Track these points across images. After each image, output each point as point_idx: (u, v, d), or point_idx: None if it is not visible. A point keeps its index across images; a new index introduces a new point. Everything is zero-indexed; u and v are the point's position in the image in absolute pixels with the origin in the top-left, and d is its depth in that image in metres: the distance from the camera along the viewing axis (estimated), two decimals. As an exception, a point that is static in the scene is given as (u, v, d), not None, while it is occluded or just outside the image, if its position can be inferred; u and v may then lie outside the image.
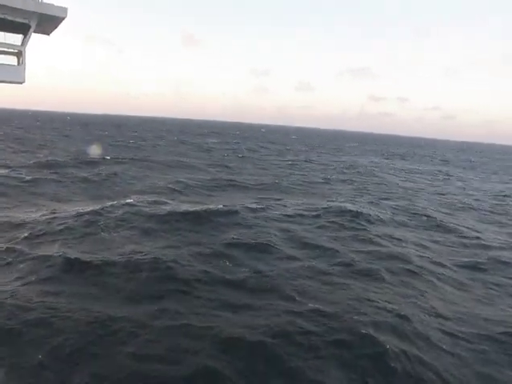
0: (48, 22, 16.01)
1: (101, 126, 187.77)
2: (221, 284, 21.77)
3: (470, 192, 63.11)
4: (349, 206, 40.43)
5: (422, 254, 29.22)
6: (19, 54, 15.83)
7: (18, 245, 24.70)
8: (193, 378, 14.73)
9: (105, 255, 23.94)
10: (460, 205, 50.11)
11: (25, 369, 14.47)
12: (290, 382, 15.03)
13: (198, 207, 35.41)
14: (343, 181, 62.53)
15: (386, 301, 21.57)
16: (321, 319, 19.05)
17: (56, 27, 16.79)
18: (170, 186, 47.17)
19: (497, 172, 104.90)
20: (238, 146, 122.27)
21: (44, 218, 30.24)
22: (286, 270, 24.26)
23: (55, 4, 15.87)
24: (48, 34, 17.72)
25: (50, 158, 61.43)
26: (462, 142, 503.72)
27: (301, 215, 36.20)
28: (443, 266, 27.79)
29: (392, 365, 16.05)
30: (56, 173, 50.87)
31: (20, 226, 28.27)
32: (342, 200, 45.51)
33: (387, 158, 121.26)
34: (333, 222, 34.64)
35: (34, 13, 15.29)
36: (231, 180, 54.39)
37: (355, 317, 19.32)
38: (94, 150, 73.64)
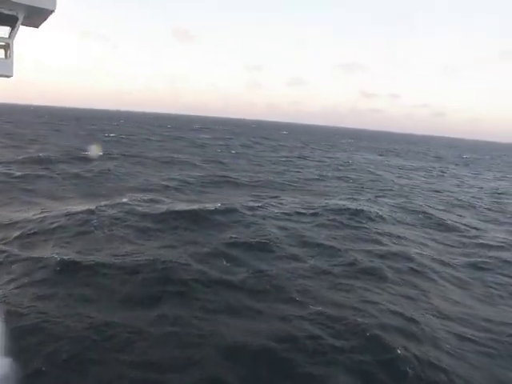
0: (36, 15, 15.36)
1: (93, 121, 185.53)
2: (220, 285, 21.11)
3: (466, 189, 63.02)
4: (347, 204, 39.92)
5: (423, 253, 28.85)
6: (6, 47, 15.20)
7: (8, 245, 23.83)
8: (195, 388, 14.13)
9: (99, 256, 23.13)
10: (458, 202, 49.89)
11: (19, 376, 13.74)
12: (296, 390, 14.51)
13: (194, 206, 34.65)
14: (339, 178, 61.99)
15: (390, 302, 21.12)
16: (325, 322, 18.50)
17: (45, 20, 16.17)
18: (164, 182, 46.30)
19: (490, 168, 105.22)
20: (231, 142, 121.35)
21: (35, 216, 29.28)
22: (287, 269, 23.69)
23: None
24: (37, 27, 16.97)
25: (40, 154, 60.14)
26: (452, 139, 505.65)
27: (299, 213, 35.61)
28: (445, 264, 27.45)
29: (402, 369, 15.59)
30: (47, 168, 49.82)
31: (10, 225, 27.31)
32: (340, 198, 44.97)
33: (381, 155, 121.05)
34: (332, 219, 34.10)
35: (21, 5, 14.67)
36: (226, 177, 53.59)
37: (360, 319, 18.78)
38: (87, 146, 72.41)
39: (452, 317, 20.59)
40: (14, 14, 14.59)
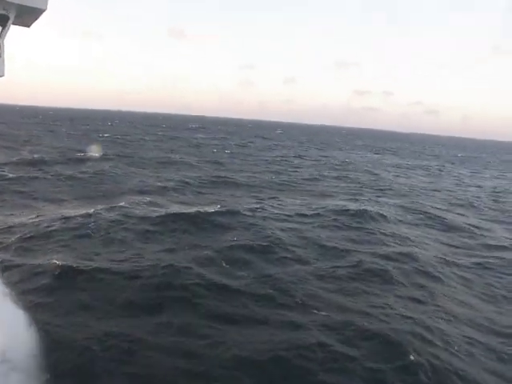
0: (28, 14, 15.17)
1: (87, 121, 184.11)
2: (223, 290, 20.37)
3: (466, 188, 62.69)
4: (348, 204, 39.38)
5: (427, 253, 28.38)
6: None
7: (3, 251, 22.95)
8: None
9: (97, 261, 22.34)
10: (458, 201, 49.50)
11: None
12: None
13: (193, 208, 33.86)
14: (337, 178, 61.35)
15: (398, 305, 20.55)
16: (333, 327, 17.89)
17: (36, 19, 16.01)
18: (161, 184, 45.45)
19: (487, 167, 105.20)
20: (226, 142, 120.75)
21: (30, 220, 28.40)
22: (291, 272, 23.03)
23: None
24: (28, 26, 16.74)
25: (34, 155, 59.30)
26: (445, 137, 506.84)
27: (300, 214, 34.92)
28: (451, 264, 27.03)
29: (416, 376, 15.04)
30: (41, 170, 48.98)
31: (4, 229, 26.42)
32: (340, 198, 44.49)
33: (377, 153, 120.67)
34: (334, 220, 33.48)
35: (12, 3, 14.34)
36: (223, 177, 52.83)
37: (369, 324, 18.20)
38: (81, 147, 71.52)
39: (462, 319, 20.16)
40: (5, 13, 14.34)
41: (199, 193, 43.11)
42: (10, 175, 44.32)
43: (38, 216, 29.67)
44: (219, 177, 52.69)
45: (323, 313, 19.29)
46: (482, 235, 35.13)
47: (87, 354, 14.99)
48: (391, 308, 20.34)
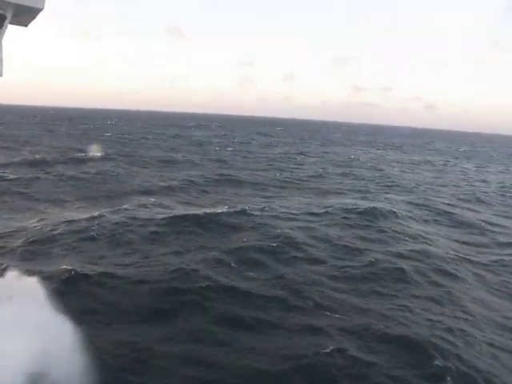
0: (25, 13, 15.26)
1: (87, 120, 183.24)
2: (234, 294, 19.67)
3: (473, 183, 61.85)
4: (356, 202, 38.72)
5: (442, 251, 27.74)
6: None
7: (6, 257, 22.23)
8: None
9: (102, 266, 21.61)
10: (467, 197, 48.71)
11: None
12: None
13: (199, 208, 33.20)
14: (342, 174, 60.58)
15: (417, 306, 19.95)
16: (351, 332, 17.24)
17: (33, 18, 16.09)
18: (164, 183, 44.72)
19: (491, 161, 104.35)
20: (228, 139, 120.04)
21: (33, 224, 27.65)
22: (304, 273, 22.39)
23: None
24: (25, 26, 16.79)
25: (35, 155, 58.68)
26: (445, 131, 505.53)
27: (308, 213, 34.19)
28: (466, 262, 26.43)
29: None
30: (43, 171, 48.35)
31: (7, 233, 25.65)
32: (348, 195, 43.84)
33: (380, 149, 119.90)
34: (343, 218, 32.76)
35: (9, 3, 14.35)
36: (227, 175, 52.11)
37: (389, 328, 17.62)
38: (82, 146, 70.80)
39: (481, 319, 19.62)
40: (2, 12, 14.35)
41: (204, 192, 42.40)
42: (12, 176, 43.72)
43: (41, 219, 28.94)
44: (223, 175, 51.97)
45: (339, 315, 18.65)
46: (493, 231, 34.48)
47: (96, 364, 14.28)
48: (409, 309, 19.72)
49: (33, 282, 16.09)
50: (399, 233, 30.48)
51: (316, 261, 24.45)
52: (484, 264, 26.57)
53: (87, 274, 20.18)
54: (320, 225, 31.12)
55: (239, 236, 27.51)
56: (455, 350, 16.55)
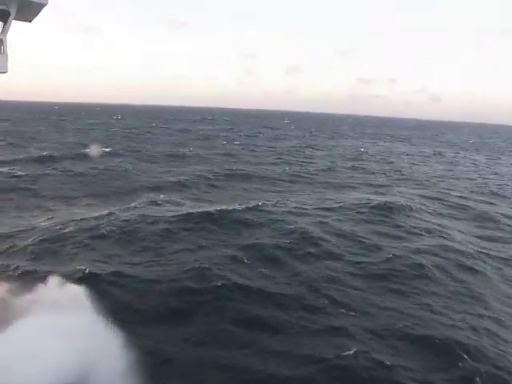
0: (29, 9, 15.25)
1: (92, 115, 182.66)
2: (252, 293, 19.13)
3: (487, 175, 60.75)
4: (369, 196, 38.07)
5: (460, 246, 27.04)
6: (0, 43, 14.96)
7: (16, 257, 21.71)
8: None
9: (114, 265, 21.05)
10: (481, 190, 47.84)
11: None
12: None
13: (210, 205, 32.64)
14: (353, 168, 59.70)
15: (442, 305, 19.46)
16: (376, 333, 16.74)
17: (37, 14, 16.09)
18: (174, 179, 43.92)
19: (503, 153, 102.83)
20: (234, 133, 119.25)
21: (42, 223, 27.13)
22: (322, 271, 21.84)
23: None
24: (30, 21, 16.79)
25: (42, 152, 58.26)
26: (452, 122, 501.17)
27: (322, 208, 33.48)
28: (487, 257, 25.85)
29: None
30: (50, 167, 47.85)
31: (16, 233, 25.11)
32: (360, 189, 43.18)
33: (388, 141, 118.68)
34: (358, 213, 32.17)
35: None
36: (237, 170, 51.42)
37: (414, 329, 17.12)
38: (88, 142, 70.29)
39: (509, 318, 18.94)
40: (6, 8, 14.36)
41: (213, 187, 41.77)
42: (19, 173, 43.33)
43: (50, 218, 28.45)
44: (232, 169, 51.32)
45: (360, 314, 18.11)
46: (510, 225, 33.70)
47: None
48: (431, 307, 19.15)
49: (75, 288, 16.15)
50: (415, 227, 29.82)
51: (332, 257, 23.87)
52: (503, 258, 26.02)
53: (99, 274, 19.63)
54: (334, 220, 30.45)
55: (252, 232, 26.95)
56: (482, 349, 16.00)
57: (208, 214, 29.36)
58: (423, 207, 35.78)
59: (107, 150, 63.60)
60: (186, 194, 37.72)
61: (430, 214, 34.38)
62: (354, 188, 44.40)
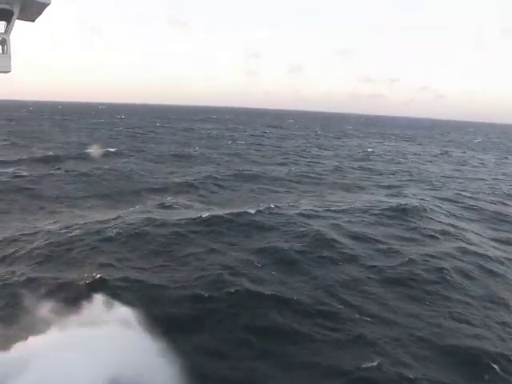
0: (32, 8, 15.17)
1: (96, 115, 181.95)
2: (266, 301, 18.37)
3: (497, 176, 59.62)
4: (382, 198, 37.42)
5: (479, 249, 26.34)
6: (3, 42, 14.98)
7: (22, 262, 20.97)
8: None
9: (123, 271, 20.39)
10: (493, 191, 46.84)
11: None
12: None
13: (220, 208, 31.83)
14: (361, 168, 58.83)
15: (466, 311, 18.74)
16: (400, 342, 16.11)
17: (40, 13, 16.02)
18: (180, 180, 43.08)
19: (511, 152, 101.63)
20: (239, 132, 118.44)
21: (48, 226, 26.32)
22: (338, 276, 21.21)
23: None
24: (33, 21, 16.69)
25: (46, 152, 57.65)
26: (455, 122, 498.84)
27: (334, 210, 32.61)
28: (509, 261, 24.99)
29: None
30: (54, 167, 47.21)
31: (19, 237, 24.30)
32: (372, 191, 42.39)
33: (395, 141, 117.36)
34: (372, 215, 31.46)
35: None
36: (244, 170, 50.67)
37: (439, 339, 16.45)
38: (93, 141, 69.60)
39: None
40: (9, 7, 14.32)
41: (221, 188, 40.88)
42: (23, 173, 42.76)
43: (54, 221, 27.76)
44: (239, 170, 50.49)
45: (381, 322, 17.42)
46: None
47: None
48: (455, 314, 18.47)
49: (122, 309, 15.77)
50: (430, 229, 29.02)
51: (347, 261, 23.14)
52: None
53: (108, 280, 18.92)
54: (346, 222, 29.62)
55: (263, 235, 26.18)
56: (511, 359, 15.20)
57: (217, 216, 28.57)
58: (437, 209, 34.91)
59: (112, 149, 62.89)
60: (194, 196, 36.90)
61: (444, 215, 33.48)
62: (364, 189, 43.58)
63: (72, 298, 17.15)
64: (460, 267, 22.95)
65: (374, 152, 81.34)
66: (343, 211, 32.50)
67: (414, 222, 30.44)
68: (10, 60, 15.09)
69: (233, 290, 18.84)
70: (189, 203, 33.59)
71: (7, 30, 14.79)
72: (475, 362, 15.12)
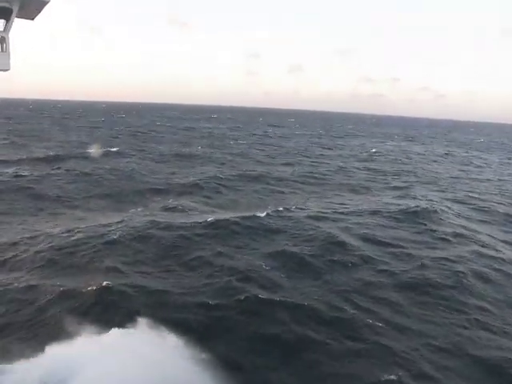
0: (31, 6, 15.20)
1: (95, 114, 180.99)
2: (278, 308, 17.60)
3: (501, 176, 58.94)
4: (390, 200, 36.66)
5: (495, 252, 25.64)
6: (2, 40, 14.98)
7: (21, 268, 20.13)
8: None
9: (129, 277, 19.53)
10: (501, 191, 46.17)
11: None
12: None
13: (225, 211, 31.22)
14: (366, 168, 58.04)
15: (487, 319, 18.12)
16: (422, 352, 15.38)
17: (40, 11, 16.00)
18: (183, 181, 42.21)
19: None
20: (241, 132, 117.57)
21: (47, 229, 25.61)
22: (351, 281, 20.59)
23: None
24: (32, 19, 16.69)
25: (46, 151, 56.84)
26: (456, 121, 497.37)
27: (342, 212, 32.00)
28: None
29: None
30: (55, 167, 46.31)
31: (19, 241, 23.40)
32: (379, 192, 41.60)
33: (397, 141, 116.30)
34: (382, 217, 30.95)
35: None
36: (246, 170, 50.06)
37: (461, 349, 15.80)
38: (93, 141, 68.73)
39: None
40: (8, 6, 14.35)
41: (225, 189, 40.01)
42: (23, 173, 41.92)
43: (57, 224, 26.99)
44: (242, 170, 49.76)
45: (399, 330, 16.82)
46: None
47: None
48: (476, 321, 17.86)
49: (131, 317, 15.38)
50: (443, 232, 28.43)
51: (360, 265, 22.47)
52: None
53: (114, 286, 18.07)
54: (356, 224, 28.91)
55: (272, 238, 25.51)
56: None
57: (223, 219, 27.86)
58: (447, 210, 34.19)
59: (113, 149, 61.98)
60: (198, 197, 36.08)
61: (455, 217, 32.80)
62: (370, 190, 42.83)
63: (79, 305, 16.53)
64: (475, 270, 22.35)
65: (378, 152, 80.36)
66: (352, 213, 31.78)
67: (425, 224, 29.73)
68: (9, 58, 15.13)
69: (242, 297, 18.08)
70: (193, 205, 32.78)
71: (6, 28, 14.80)
72: (499, 372, 14.50)
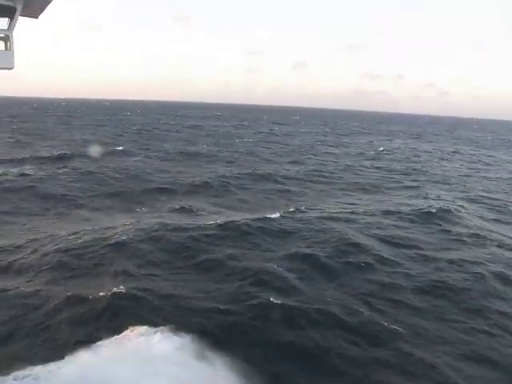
0: (35, 5, 15.18)
1: (100, 112, 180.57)
2: (293, 315, 16.90)
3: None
4: (402, 200, 36.00)
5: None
6: (6, 39, 14.94)
7: (27, 273, 19.51)
8: None
9: (139, 281, 18.84)
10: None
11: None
12: None
13: (236, 212, 30.60)
14: (375, 167, 57.14)
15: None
16: (448, 365, 14.40)
17: (43, 10, 16.00)
18: (190, 180, 41.36)
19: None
20: (246, 130, 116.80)
21: (53, 231, 24.94)
22: (369, 286, 19.83)
23: None
24: (36, 17, 16.64)
25: (51, 149, 56.31)
26: (460, 118, 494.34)
27: (354, 212, 31.18)
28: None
29: None
30: (60, 166, 45.70)
31: (24, 244, 22.73)
32: (390, 191, 40.82)
33: (403, 139, 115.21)
34: (396, 218, 30.03)
35: None
36: (254, 169, 49.21)
37: (488, 360, 14.92)
38: (98, 139, 68.28)
39: None
40: (12, 4, 14.36)
41: (234, 188, 39.24)
42: (28, 172, 41.30)
43: (61, 225, 26.36)
44: (250, 168, 49.01)
45: (425, 337, 16.14)
46: None
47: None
48: (503, 328, 16.85)
49: (179, 339, 14.53)
50: (459, 233, 27.76)
51: (377, 267, 21.77)
52: None
53: (124, 291, 17.38)
54: (369, 225, 28.27)
55: (285, 240, 24.82)
56: None
57: (233, 220, 27.19)
58: (461, 209, 33.47)
59: (118, 147, 61.42)
60: (206, 197, 35.44)
61: (470, 216, 32.12)
62: (381, 189, 42.06)
63: (89, 309, 15.97)
64: (494, 272, 21.64)
65: (385, 150, 79.31)
66: (364, 213, 31.06)
67: (440, 225, 29.05)
68: (13, 57, 15.12)
69: (255, 302, 17.41)
70: (202, 205, 32.16)
71: (10, 27, 14.78)
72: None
